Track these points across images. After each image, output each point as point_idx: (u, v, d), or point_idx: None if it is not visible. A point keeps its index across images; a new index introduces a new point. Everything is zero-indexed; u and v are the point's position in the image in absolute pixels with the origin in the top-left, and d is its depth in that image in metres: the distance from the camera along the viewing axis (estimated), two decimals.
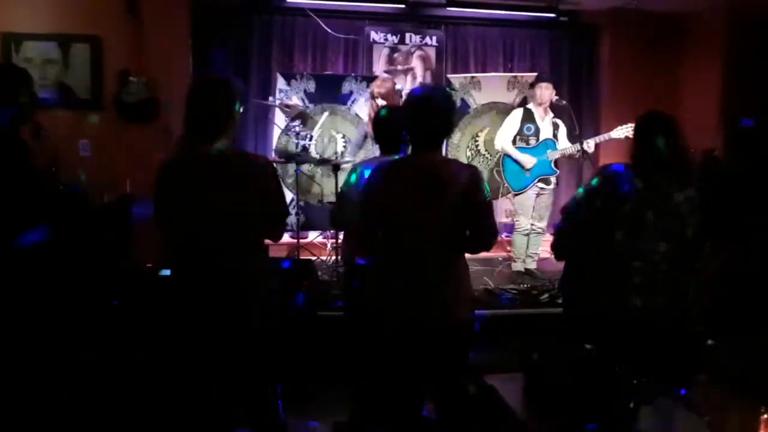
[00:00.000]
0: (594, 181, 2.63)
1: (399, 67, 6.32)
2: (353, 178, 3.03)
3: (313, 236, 5.87)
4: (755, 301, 2.53)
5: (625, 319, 2.49)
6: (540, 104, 5.05)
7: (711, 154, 4.12)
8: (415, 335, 2.29)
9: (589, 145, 4.84)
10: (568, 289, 2.82)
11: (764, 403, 1.90)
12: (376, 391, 2.80)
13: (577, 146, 4.84)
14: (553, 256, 2.87)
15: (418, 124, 2.36)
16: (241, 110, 2.47)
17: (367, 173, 3.04)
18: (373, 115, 4.94)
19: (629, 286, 2.48)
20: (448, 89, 2.54)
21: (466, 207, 2.26)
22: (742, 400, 2.05)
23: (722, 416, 2.02)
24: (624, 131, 4.68)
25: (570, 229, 2.70)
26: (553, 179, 5.13)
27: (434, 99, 2.39)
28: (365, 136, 5.24)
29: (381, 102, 4.81)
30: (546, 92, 5.00)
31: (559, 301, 4.37)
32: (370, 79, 6.11)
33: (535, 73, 5.85)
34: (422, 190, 2.26)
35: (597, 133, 6.53)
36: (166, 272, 3.56)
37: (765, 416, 1.91)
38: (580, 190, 2.72)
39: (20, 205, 2.72)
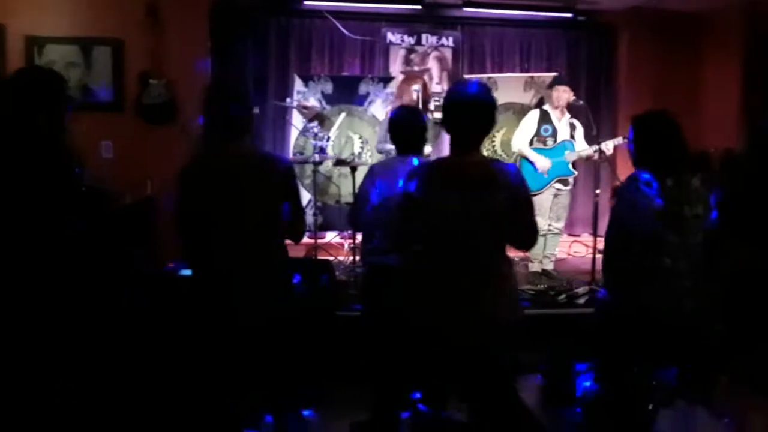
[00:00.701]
0: (631, 189, 2.63)
1: (416, 68, 6.33)
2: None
3: (331, 236, 5.90)
4: None
5: (677, 323, 2.49)
6: (556, 107, 5.04)
7: (731, 153, 4.09)
8: (466, 340, 2.21)
9: (608, 146, 4.83)
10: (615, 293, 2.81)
11: None
12: (395, 392, 2.81)
13: (595, 148, 4.83)
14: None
15: (463, 122, 2.28)
16: (257, 111, 2.51)
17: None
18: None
19: (680, 289, 2.51)
20: (485, 83, 2.41)
21: (512, 206, 2.22)
22: (762, 401, 2.04)
23: (744, 418, 2.01)
24: None
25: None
26: (571, 180, 5.12)
27: (480, 96, 2.29)
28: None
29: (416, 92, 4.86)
30: (564, 95, 4.99)
31: (579, 301, 4.38)
32: (386, 80, 6.14)
33: (553, 74, 5.85)
34: (469, 190, 2.20)
35: (614, 134, 6.50)
36: (187, 272, 3.62)
37: None
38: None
39: (66, 211, 2.76)
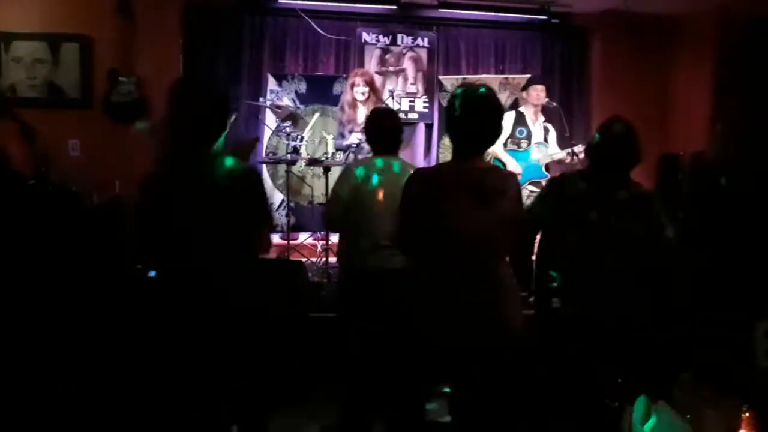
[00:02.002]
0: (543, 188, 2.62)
1: (390, 68, 6.32)
2: (361, 175, 3.02)
3: (304, 237, 5.85)
4: (734, 299, 2.55)
5: (609, 324, 2.45)
6: (535, 105, 5.05)
7: (700, 157, 4.15)
8: (470, 350, 2.17)
9: (581, 149, 4.86)
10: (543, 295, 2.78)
11: (745, 401, 1.92)
12: (366, 394, 2.78)
13: (568, 150, 4.86)
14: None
15: (469, 129, 2.22)
16: (234, 117, 2.43)
17: (360, 172, 3.05)
18: (350, 104, 4.95)
19: (609, 293, 2.46)
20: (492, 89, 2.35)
21: (512, 216, 2.23)
22: (723, 398, 2.06)
23: (704, 414, 2.03)
24: None
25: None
26: (543, 183, 5.13)
27: (488, 103, 2.23)
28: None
29: (362, 90, 4.81)
30: (541, 94, 5.02)
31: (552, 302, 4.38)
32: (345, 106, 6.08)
33: (527, 75, 5.88)
34: (472, 198, 2.17)
35: (588, 135, 6.56)
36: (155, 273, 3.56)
37: (746, 414, 1.92)
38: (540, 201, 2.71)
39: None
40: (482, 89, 2.25)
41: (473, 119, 2.20)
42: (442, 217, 2.19)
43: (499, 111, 2.26)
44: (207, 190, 2.30)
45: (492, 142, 2.29)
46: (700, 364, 2.36)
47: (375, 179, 2.99)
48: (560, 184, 2.65)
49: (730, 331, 2.39)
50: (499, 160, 5.06)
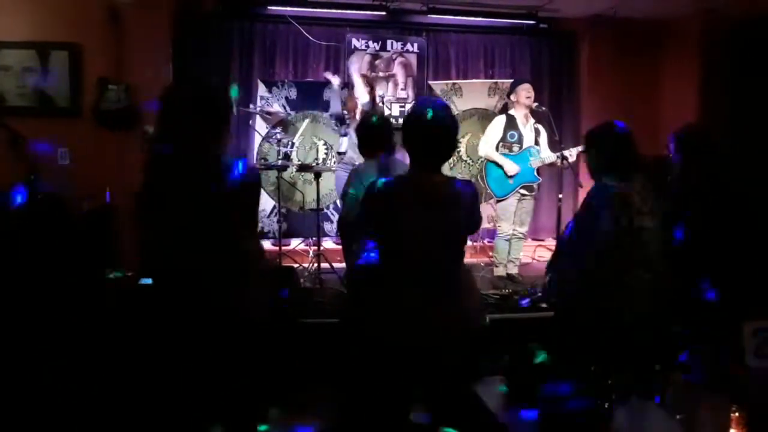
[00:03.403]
0: (596, 201, 2.67)
1: (380, 74, 6.33)
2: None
3: (295, 243, 5.85)
4: (722, 299, 2.59)
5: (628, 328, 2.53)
6: (525, 106, 5.06)
7: (663, 161, 4.20)
8: (430, 351, 2.23)
9: (571, 153, 4.89)
10: (568, 300, 2.83)
11: (735, 401, 1.93)
12: (363, 397, 2.78)
13: (559, 154, 4.89)
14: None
15: (422, 145, 2.28)
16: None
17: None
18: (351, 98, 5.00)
19: (635, 296, 2.54)
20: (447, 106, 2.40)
21: (467, 224, 2.32)
22: (714, 398, 2.08)
23: (695, 414, 2.04)
24: None
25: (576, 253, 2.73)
26: (535, 186, 5.16)
27: (444, 121, 2.28)
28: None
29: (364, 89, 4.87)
30: (530, 93, 5.03)
31: (543, 305, 4.42)
32: (351, 86, 6.13)
33: (514, 79, 5.91)
34: (434, 209, 2.23)
35: (577, 139, 6.59)
36: (147, 281, 3.55)
37: (736, 414, 1.93)
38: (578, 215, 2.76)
39: None
40: (437, 103, 2.33)
41: (426, 138, 2.26)
42: (399, 227, 2.25)
43: (453, 127, 2.31)
44: (208, 188, 2.30)
45: (448, 156, 2.33)
46: (690, 364, 2.39)
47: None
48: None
49: (720, 330, 2.42)
50: (494, 163, 5.06)
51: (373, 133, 3.38)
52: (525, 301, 4.50)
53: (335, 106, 5.33)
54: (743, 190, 3.14)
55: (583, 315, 2.63)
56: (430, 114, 2.26)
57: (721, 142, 3.81)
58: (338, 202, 6.00)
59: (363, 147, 3.47)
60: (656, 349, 2.44)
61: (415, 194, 2.25)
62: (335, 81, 5.30)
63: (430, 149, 2.28)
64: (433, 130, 2.25)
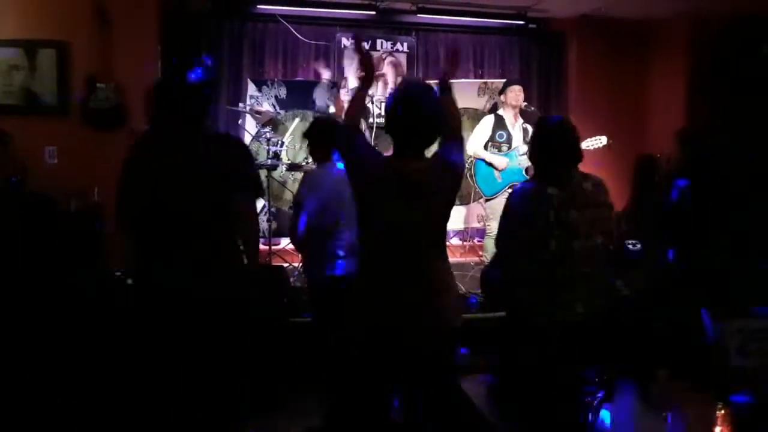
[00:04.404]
0: (514, 201, 2.60)
1: None
2: None
3: (285, 243, 5.84)
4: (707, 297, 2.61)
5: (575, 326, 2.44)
6: (514, 107, 5.07)
7: (651, 159, 4.24)
8: (410, 343, 2.21)
9: None
10: (510, 300, 2.72)
11: (719, 399, 1.95)
12: (350, 397, 2.78)
13: None
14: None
15: (403, 131, 2.21)
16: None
17: None
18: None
19: (572, 293, 2.44)
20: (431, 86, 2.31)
21: (448, 210, 2.27)
22: (699, 395, 2.10)
23: (680, 412, 2.06)
24: (593, 143, 4.76)
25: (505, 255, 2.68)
26: None
27: (424, 104, 2.19)
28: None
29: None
30: (519, 95, 5.04)
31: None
32: (342, 86, 6.13)
33: (505, 80, 5.93)
34: (407, 196, 2.18)
35: None
36: None
37: (721, 411, 1.95)
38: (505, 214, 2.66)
39: None
40: (421, 87, 2.26)
41: (411, 118, 2.18)
42: (380, 214, 2.21)
43: (438, 110, 2.22)
44: (194, 164, 2.26)
45: (431, 141, 2.26)
46: (675, 361, 2.40)
47: None
48: None
49: (705, 329, 2.44)
50: (483, 161, 5.06)
51: (324, 137, 3.38)
52: None
53: (321, 101, 5.33)
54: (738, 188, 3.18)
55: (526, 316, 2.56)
56: (414, 96, 2.19)
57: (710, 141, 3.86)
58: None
59: (314, 151, 3.48)
60: (642, 346, 2.45)
61: (395, 183, 2.19)
62: (326, 74, 5.28)
63: (411, 134, 2.21)
64: (416, 114, 2.17)
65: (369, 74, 2.37)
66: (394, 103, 2.23)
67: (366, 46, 6.35)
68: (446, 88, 2.38)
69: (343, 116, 2.74)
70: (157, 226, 2.29)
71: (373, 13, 6.16)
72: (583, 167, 2.65)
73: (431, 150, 2.30)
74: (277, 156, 5.12)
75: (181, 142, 2.28)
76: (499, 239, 2.66)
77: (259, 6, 5.98)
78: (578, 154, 2.52)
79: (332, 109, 5.41)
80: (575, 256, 2.40)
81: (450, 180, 2.26)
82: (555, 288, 2.41)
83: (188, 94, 2.32)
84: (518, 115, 5.14)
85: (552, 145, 2.50)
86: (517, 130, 5.11)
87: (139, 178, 2.30)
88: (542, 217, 2.42)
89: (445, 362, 2.28)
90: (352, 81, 5.30)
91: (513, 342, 2.60)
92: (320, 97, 5.40)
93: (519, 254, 2.52)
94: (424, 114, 2.17)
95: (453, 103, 2.39)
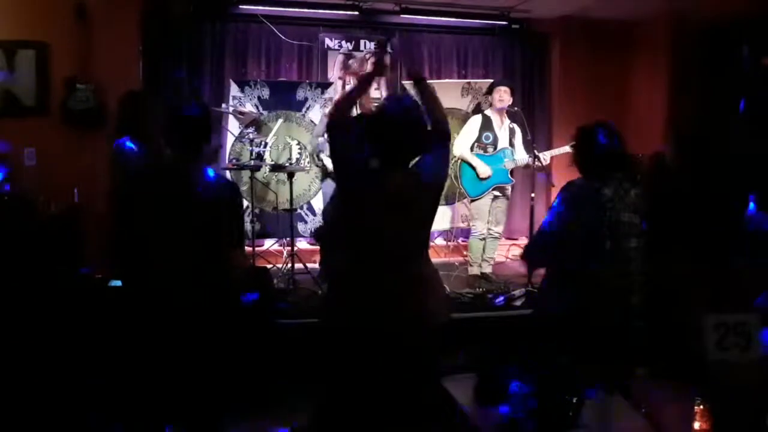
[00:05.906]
0: (565, 199, 2.71)
1: (354, 74, 6.32)
2: None
3: (269, 244, 5.82)
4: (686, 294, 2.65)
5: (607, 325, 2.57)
6: (500, 108, 5.08)
7: (659, 158, 4.26)
8: (393, 340, 2.23)
9: (545, 157, 4.94)
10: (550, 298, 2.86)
11: (699, 395, 1.97)
12: (337, 396, 2.77)
13: (532, 156, 4.93)
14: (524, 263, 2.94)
15: (386, 144, 2.22)
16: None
17: None
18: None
19: (611, 293, 2.59)
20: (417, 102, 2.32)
21: (430, 217, 2.33)
22: (678, 391, 2.11)
23: (659, 408, 2.08)
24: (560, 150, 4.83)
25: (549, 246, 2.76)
26: (509, 187, 5.18)
27: (409, 120, 2.21)
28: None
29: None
30: (506, 96, 5.05)
31: (516, 303, 4.47)
32: (324, 85, 6.12)
33: (489, 80, 5.95)
34: (389, 212, 2.20)
35: (549, 139, 6.66)
36: (116, 283, 3.50)
37: (700, 407, 1.97)
38: (554, 209, 2.78)
39: None
40: (405, 101, 2.27)
41: (395, 134, 2.20)
42: (361, 221, 2.25)
43: (421, 124, 2.25)
44: (188, 198, 2.37)
45: (414, 155, 2.28)
46: (654, 358, 2.43)
47: None
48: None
49: (683, 325, 2.46)
50: (468, 164, 5.07)
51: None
52: (499, 300, 4.53)
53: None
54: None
55: (562, 310, 2.67)
56: (400, 110, 2.21)
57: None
58: (313, 204, 6.01)
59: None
60: (622, 344, 2.47)
61: (378, 196, 2.21)
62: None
63: (395, 150, 2.23)
64: (399, 128, 2.20)
65: (377, 74, 2.55)
66: (378, 118, 2.27)
67: (349, 47, 6.36)
68: (419, 80, 2.46)
69: (331, 107, 2.78)
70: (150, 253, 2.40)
71: (356, 13, 6.15)
72: (568, 169, 2.76)
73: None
74: (260, 157, 5.09)
75: (178, 180, 2.41)
76: (548, 236, 2.77)
77: (241, 6, 5.95)
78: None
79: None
80: (626, 257, 2.60)
81: (433, 190, 2.31)
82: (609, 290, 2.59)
83: (191, 128, 2.44)
84: (505, 115, 5.15)
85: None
86: (504, 131, 5.13)
87: (136, 212, 2.42)
88: (598, 218, 2.60)
89: (428, 359, 2.30)
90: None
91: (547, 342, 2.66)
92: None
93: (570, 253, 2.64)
94: (408, 131, 2.21)
95: (432, 91, 2.44)
